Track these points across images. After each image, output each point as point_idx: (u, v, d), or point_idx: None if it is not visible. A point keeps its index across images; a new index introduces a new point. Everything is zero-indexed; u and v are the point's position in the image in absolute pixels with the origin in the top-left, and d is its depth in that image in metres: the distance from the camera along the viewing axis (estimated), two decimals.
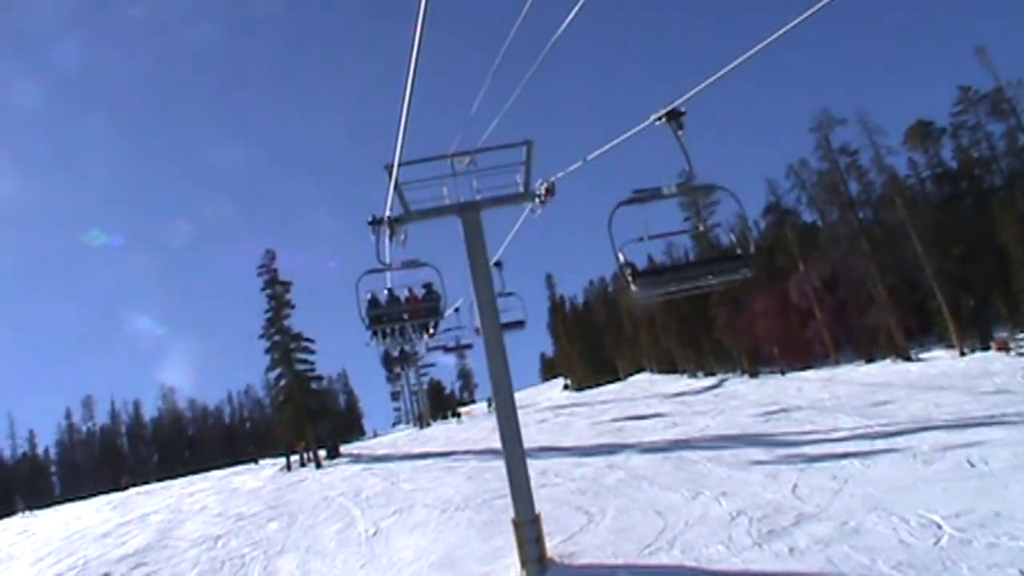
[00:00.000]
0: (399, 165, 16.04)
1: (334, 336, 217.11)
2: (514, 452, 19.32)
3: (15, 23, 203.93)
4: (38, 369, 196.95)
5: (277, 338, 67.31)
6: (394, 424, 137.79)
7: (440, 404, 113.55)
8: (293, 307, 68.44)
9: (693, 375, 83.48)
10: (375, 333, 18.86)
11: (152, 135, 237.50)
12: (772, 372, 71.59)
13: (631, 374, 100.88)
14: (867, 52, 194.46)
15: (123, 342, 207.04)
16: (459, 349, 38.29)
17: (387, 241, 18.02)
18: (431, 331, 20.37)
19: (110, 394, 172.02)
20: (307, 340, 67.92)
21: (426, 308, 19.29)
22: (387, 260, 18.06)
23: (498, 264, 21.82)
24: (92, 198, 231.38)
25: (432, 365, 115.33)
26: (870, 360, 62.60)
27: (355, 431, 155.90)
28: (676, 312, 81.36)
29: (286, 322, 67.71)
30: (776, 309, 70.19)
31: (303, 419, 65.16)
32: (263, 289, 68.17)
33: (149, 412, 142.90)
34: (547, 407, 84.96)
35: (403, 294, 19.40)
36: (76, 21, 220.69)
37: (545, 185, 17.77)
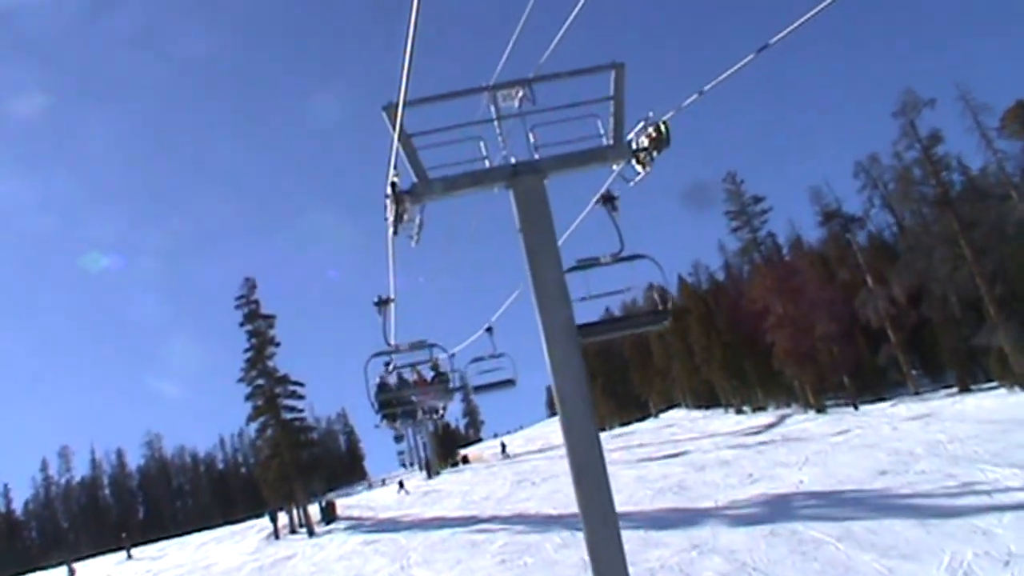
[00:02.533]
0: (405, 104, 8.54)
1: (332, 369, 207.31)
2: (602, 538, 9.82)
3: (16, 25, 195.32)
4: (10, 416, 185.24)
5: (260, 382, 57.33)
6: (400, 466, 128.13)
7: (447, 444, 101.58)
8: (278, 344, 58.61)
9: (740, 410, 73.17)
10: (384, 416, 18.78)
11: (152, 138, 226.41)
12: (838, 405, 61.45)
13: (662, 410, 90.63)
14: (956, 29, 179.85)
15: (103, 385, 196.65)
16: (501, 386, 28.42)
17: (391, 235, 11.32)
18: (441, 412, 21.19)
19: (90, 443, 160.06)
20: (295, 383, 58.02)
21: (435, 390, 18.86)
22: (394, 232, 11.18)
23: (489, 330, 20.16)
24: (82, 210, 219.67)
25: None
26: (965, 390, 52.48)
27: (356, 474, 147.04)
28: (719, 339, 71.44)
29: (270, 362, 57.78)
30: (842, 332, 60.19)
31: (292, 477, 54.98)
32: (242, 324, 58.32)
33: (134, 460, 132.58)
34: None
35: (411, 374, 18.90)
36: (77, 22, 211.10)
37: (651, 130, 10.61)
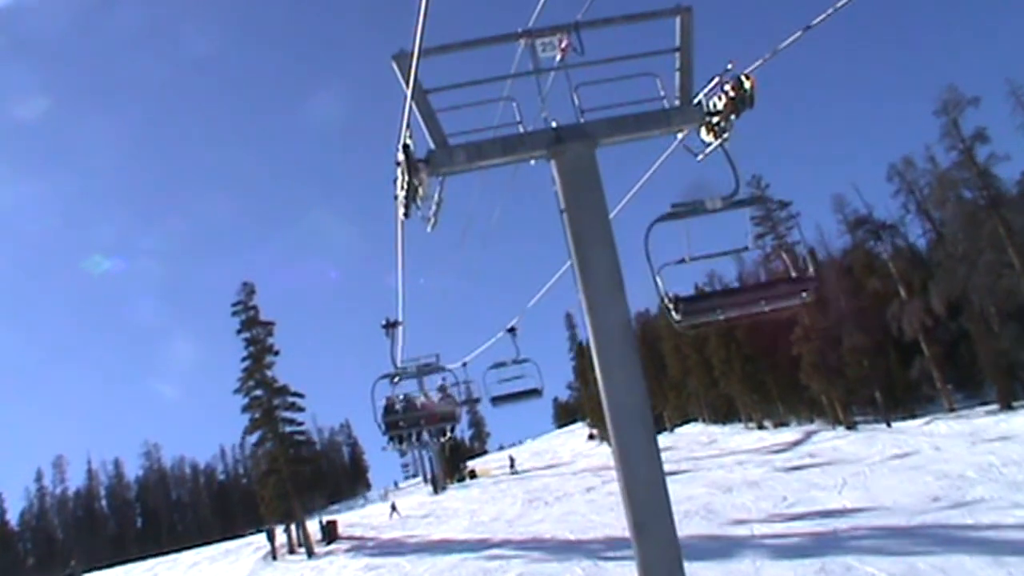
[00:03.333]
0: (421, 52, 6.55)
1: (336, 378, 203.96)
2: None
3: (17, 26, 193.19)
4: (4, 424, 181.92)
5: (258, 393, 54.20)
6: (406, 478, 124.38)
7: (453, 457, 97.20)
8: (277, 353, 55.46)
9: (761, 426, 69.84)
10: (391, 439, 16.73)
11: (152, 140, 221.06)
12: (867, 421, 58.20)
13: (676, 424, 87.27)
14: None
15: (100, 392, 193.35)
16: (526, 396, 26.49)
17: (400, 215, 9.01)
18: (448, 435, 18.16)
19: (86, 452, 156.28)
20: (295, 394, 54.88)
21: (442, 413, 17.37)
22: (404, 213, 8.95)
23: (512, 330, 19.45)
24: (82, 212, 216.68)
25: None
26: (1007, 407, 49.20)
27: (360, 486, 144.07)
28: (739, 351, 68.20)
29: (268, 372, 54.64)
30: (872, 345, 57.00)
31: (291, 494, 51.82)
32: (239, 331, 55.19)
33: (132, 471, 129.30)
34: (584, 468, 71.48)
35: (419, 398, 17.85)
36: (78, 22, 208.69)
37: (729, 87, 8.30)
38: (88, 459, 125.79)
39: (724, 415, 77.81)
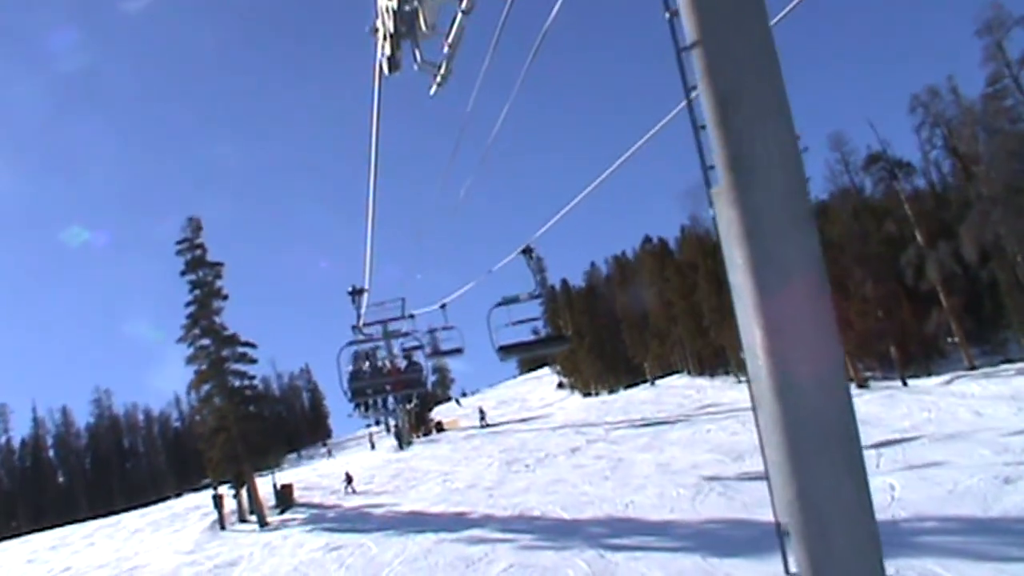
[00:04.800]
0: None
1: (294, 321, 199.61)
2: None
3: (13, 21, 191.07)
4: None
5: (204, 342, 48.20)
6: (367, 427, 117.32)
7: (418, 406, 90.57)
8: (226, 297, 49.42)
9: None
10: (357, 405, 19.75)
11: (149, 133, 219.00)
12: (877, 379, 53.10)
13: (658, 376, 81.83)
14: None
15: (48, 343, 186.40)
16: (450, 354, 26.00)
17: (381, 67, 7.12)
18: (413, 401, 22.30)
19: (31, 401, 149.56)
20: (246, 344, 48.88)
21: (408, 380, 20.19)
22: (388, 66, 6.90)
23: (443, 306, 20.28)
24: (78, 198, 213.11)
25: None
26: None
27: (320, 434, 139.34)
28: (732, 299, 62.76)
29: (216, 319, 48.64)
30: (886, 295, 51.81)
31: (241, 455, 46.09)
32: (184, 273, 49.01)
33: (82, 420, 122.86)
34: (563, 423, 66.16)
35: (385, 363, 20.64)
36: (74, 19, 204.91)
37: None
38: (33, 407, 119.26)
39: (711, 367, 72.44)
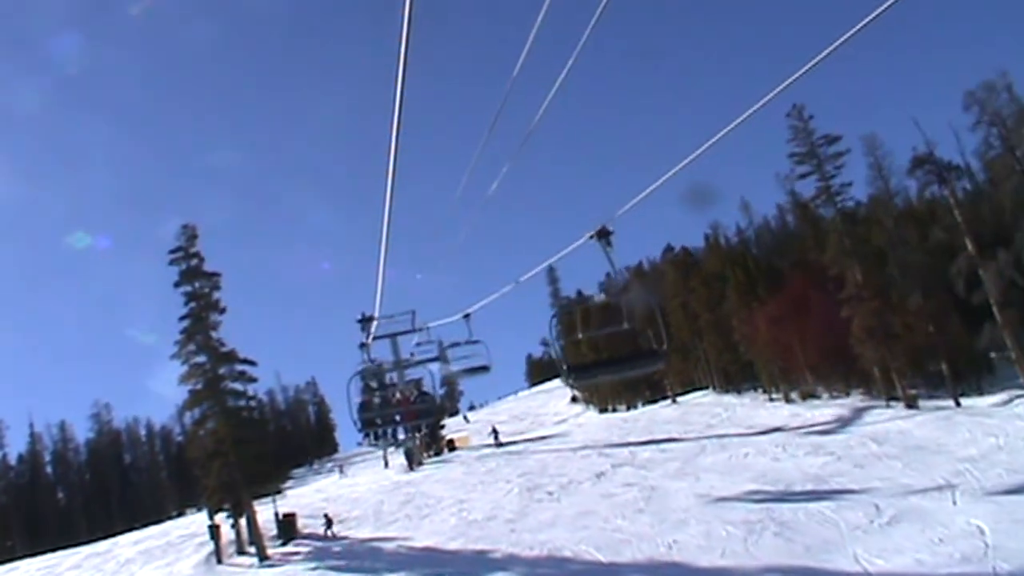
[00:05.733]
0: None
1: (301, 334, 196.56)
2: None
3: (14, 23, 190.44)
4: None
5: (199, 359, 44.48)
6: (370, 445, 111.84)
7: (429, 429, 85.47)
8: (223, 310, 45.67)
9: (788, 399, 60.39)
10: (367, 434, 22.77)
11: (150, 136, 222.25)
12: (923, 396, 49.10)
13: (679, 393, 77.75)
14: None
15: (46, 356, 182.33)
16: (475, 372, 24.52)
17: None
18: (423, 431, 26.79)
19: (28, 416, 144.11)
20: (245, 362, 45.12)
21: (419, 411, 20.35)
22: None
23: (467, 316, 20.50)
24: (82, 200, 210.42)
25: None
26: None
27: (326, 448, 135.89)
28: (763, 311, 58.99)
29: (213, 334, 44.95)
30: (937, 308, 48.00)
31: (239, 483, 42.33)
32: (177, 284, 45.36)
33: (81, 435, 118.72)
34: (583, 442, 62.37)
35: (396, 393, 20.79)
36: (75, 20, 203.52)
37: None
38: (30, 422, 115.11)
39: (738, 384, 68.50)
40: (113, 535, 72.99)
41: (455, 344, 21.23)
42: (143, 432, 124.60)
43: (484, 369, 22.97)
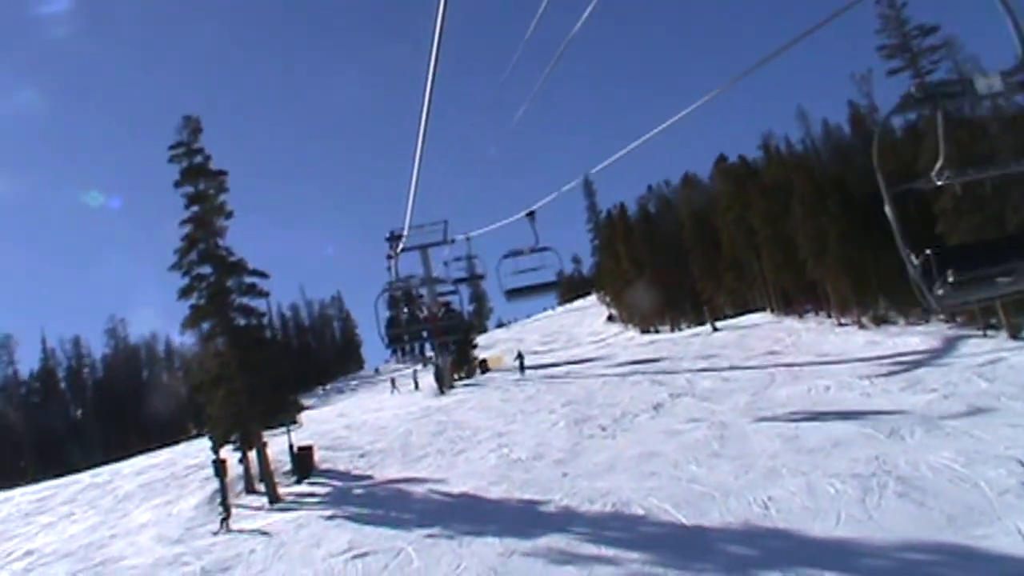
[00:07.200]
0: None
1: (326, 245, 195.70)
2: None
3: (14, 19, 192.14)
4: None
5: (203, 270, 38.87)
6: (399, 360, 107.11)
7: (459, 347, 78.32)
8: (230, 215, 39.86)
9: (860, 323, 54.22)
10: (395, 350, 10.43)
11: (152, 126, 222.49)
12: None
13: (731, 315, 71.83)
14: None
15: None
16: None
17: None
18: (450, 348, 27.15)
19: (40, 330, 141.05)
20: (255, 273, 39.44)
21: (446, 327, 21.98)
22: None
23: (531, 214, 18.99)
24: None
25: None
26: None
27: (352, 365, 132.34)
28: (833, 224, 52.83)
29: (219, 242, 39.24)
30: None
31: (245, 412, 36.91)
32: (178, 184, 39.50)
33: (97, 351, 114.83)
34: (628, 362, 56.91)
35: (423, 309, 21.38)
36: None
37: None
38: (42, 337, 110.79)
39: (799, 306, 62.43)
40: (127, 457, 69.10)
41: (516, 252, 19.60)
42: (162, 349, 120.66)
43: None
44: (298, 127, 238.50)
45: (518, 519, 25.82)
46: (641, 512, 24.59)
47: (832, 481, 24.25)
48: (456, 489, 31.24)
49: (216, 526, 32.58)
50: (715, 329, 65.92)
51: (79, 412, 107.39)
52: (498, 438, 38.80)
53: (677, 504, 24.55)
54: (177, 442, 78.31)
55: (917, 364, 39.94)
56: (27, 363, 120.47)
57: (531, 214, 18.97)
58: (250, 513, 34.31)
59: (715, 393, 40.85)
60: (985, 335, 43.02)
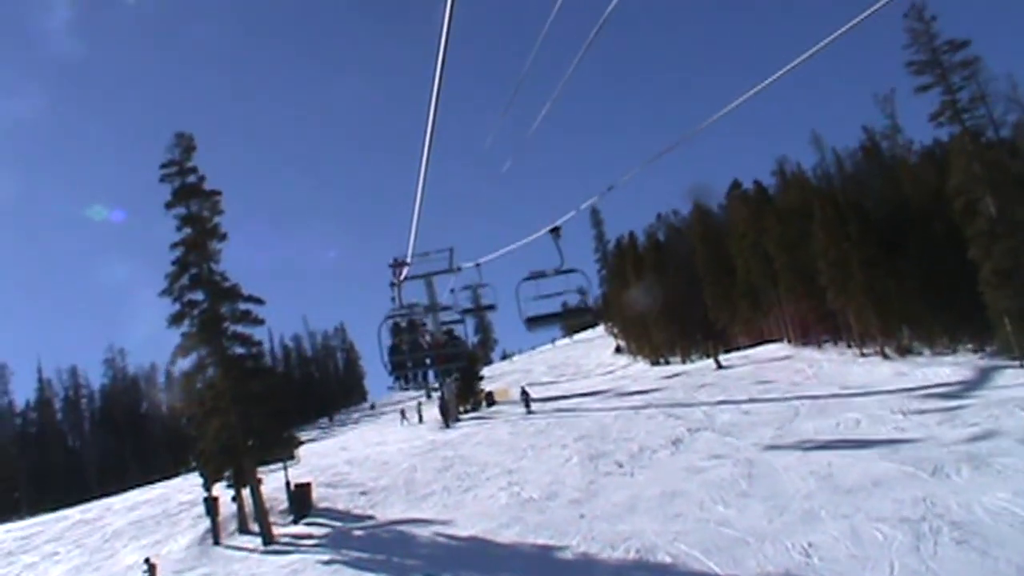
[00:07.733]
0: None
1: (330, 276, 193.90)
2: None
3: (16, 20, 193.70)
4: None
5: (194, 296, 36.73)
6: (400, 389, 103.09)
7: (465, 375, 74.47)
8: (224, 238, 37.74)
9: (883, 354, 51.84)
10: (397, 378, 19.53)
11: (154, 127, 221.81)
12: None
13: (747, 345, 69.50)
14: None
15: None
16: (481, 311, 25.49)
17: None
18: (453, 376, 25.61)
19: (36, 359, 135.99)
20: (250, 300, 37.25)
21: (449, 355, 20.42)
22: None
23: (556, 230, 17.26)
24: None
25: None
26: None
27: (355, 396, 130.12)
28: (857, 253, 50.71)
29: (212, 266, 37.11)
30: None
31: (239, 447, 34.66)
32: (169, 205, 37.48)
33: (95, 382, 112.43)
34: (642, 396, 54.59)
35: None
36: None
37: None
38: (39, 367, 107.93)
39: (817, 336, 60.14)
40: (125, 489, 67.05)
41: (538, 275, 18.21)
42: (161, 379, 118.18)
43: (491, 307, 22.63)
44: (303, 151, 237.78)
45: (532, 567, 23.65)
46: (668, 560, 22.36)
47: (878, 525, 22.05)
48: (464, 532, 28.98)
49: (207, 570, 30.30)
50: (719, 365, 62.70)
51: (77, 443, 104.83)
52: (508, 475, 36.58)
53: (707, 551, 22.33)
54: (177, 474, 76.20)
55: (950, 396, 37.72)
56: (23, 393, 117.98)
57: (555, 230, 17.25)
58: (243, 555, 32.03)
59: (736, 427, 38.61)
60: (1022, 365, 40.74)
